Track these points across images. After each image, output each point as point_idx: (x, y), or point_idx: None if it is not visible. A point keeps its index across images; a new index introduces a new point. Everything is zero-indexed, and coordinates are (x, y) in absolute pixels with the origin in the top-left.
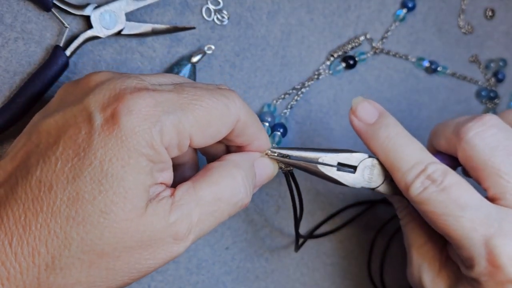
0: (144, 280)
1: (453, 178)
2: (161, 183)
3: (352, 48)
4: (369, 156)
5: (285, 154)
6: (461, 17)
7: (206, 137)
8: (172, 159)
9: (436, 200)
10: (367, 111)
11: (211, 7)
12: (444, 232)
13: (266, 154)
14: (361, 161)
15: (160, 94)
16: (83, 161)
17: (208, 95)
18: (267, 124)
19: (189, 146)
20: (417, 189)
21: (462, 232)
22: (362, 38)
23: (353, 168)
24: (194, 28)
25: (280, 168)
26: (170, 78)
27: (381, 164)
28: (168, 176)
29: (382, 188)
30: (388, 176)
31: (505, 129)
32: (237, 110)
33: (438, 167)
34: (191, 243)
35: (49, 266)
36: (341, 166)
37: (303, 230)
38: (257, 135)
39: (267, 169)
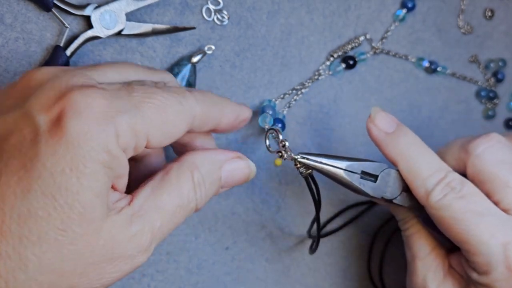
0: (144, 280)
1: (470, 187)
2: (117, 190)
3: (352, 48)
4: (388, 167)
5: (310, 158)
6: (461, 17)
7: (164, 136)
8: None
9: (456, 206)
10: (386, 120)
11: (211, 7)
12: (461, 238)
13: (295, 160)
14: (381, 171)
15: (110, 93)
16: (31, 174)
17: (159, 92)
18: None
19: (146, 147)
20: (437, 195)
21: (480, 238)
22: (362, 38)
23: (374, 178)
24: (194, 28)
25: (301, 173)
26: (117, 69)
27: (399, 175)
28: (124, 182)
29: (399, 200)
30: (405, 188)
31: (509, 145)
32: (192, 104)
33: (456, 176)
34: (152, 251)
35: None
36: (364, 174)
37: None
38: (222, 114)
39: (239, 173)
